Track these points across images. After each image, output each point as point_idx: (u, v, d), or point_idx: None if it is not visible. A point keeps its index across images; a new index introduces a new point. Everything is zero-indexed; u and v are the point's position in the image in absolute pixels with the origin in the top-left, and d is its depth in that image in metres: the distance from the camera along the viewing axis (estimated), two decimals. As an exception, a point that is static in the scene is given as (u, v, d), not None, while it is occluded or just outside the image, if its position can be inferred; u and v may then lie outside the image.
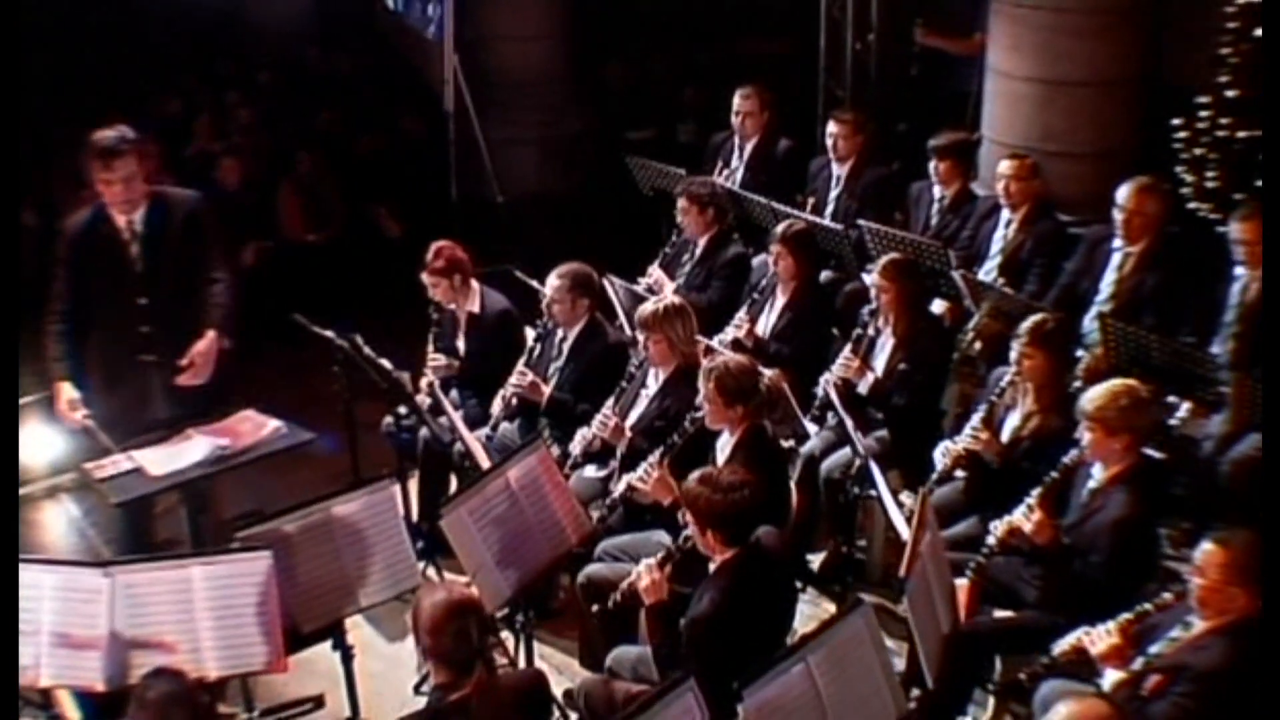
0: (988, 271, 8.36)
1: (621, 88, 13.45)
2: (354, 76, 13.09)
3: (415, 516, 7.86)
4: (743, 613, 5.58)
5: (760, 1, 12.89)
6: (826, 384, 7.60)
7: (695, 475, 5.68)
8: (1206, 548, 5.41)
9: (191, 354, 7.04)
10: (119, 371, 7.18)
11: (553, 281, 7.60)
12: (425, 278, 8.02)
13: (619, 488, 6.79)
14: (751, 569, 5.66)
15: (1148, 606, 5.64)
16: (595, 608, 6.22)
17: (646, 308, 7.10)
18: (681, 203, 8.71)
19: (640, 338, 7.15)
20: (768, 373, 6.57)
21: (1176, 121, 9.10)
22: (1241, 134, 9.15)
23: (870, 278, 7.67)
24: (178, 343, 7.08)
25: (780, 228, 8.14)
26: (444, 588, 4.94)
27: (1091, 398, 6.17)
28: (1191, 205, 9.06)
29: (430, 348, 8.12)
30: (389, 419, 7.89)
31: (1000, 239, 8.48)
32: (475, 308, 8.07)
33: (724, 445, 6.60)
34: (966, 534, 6.88)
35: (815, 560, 7.75)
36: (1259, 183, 8.92)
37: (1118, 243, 7.88)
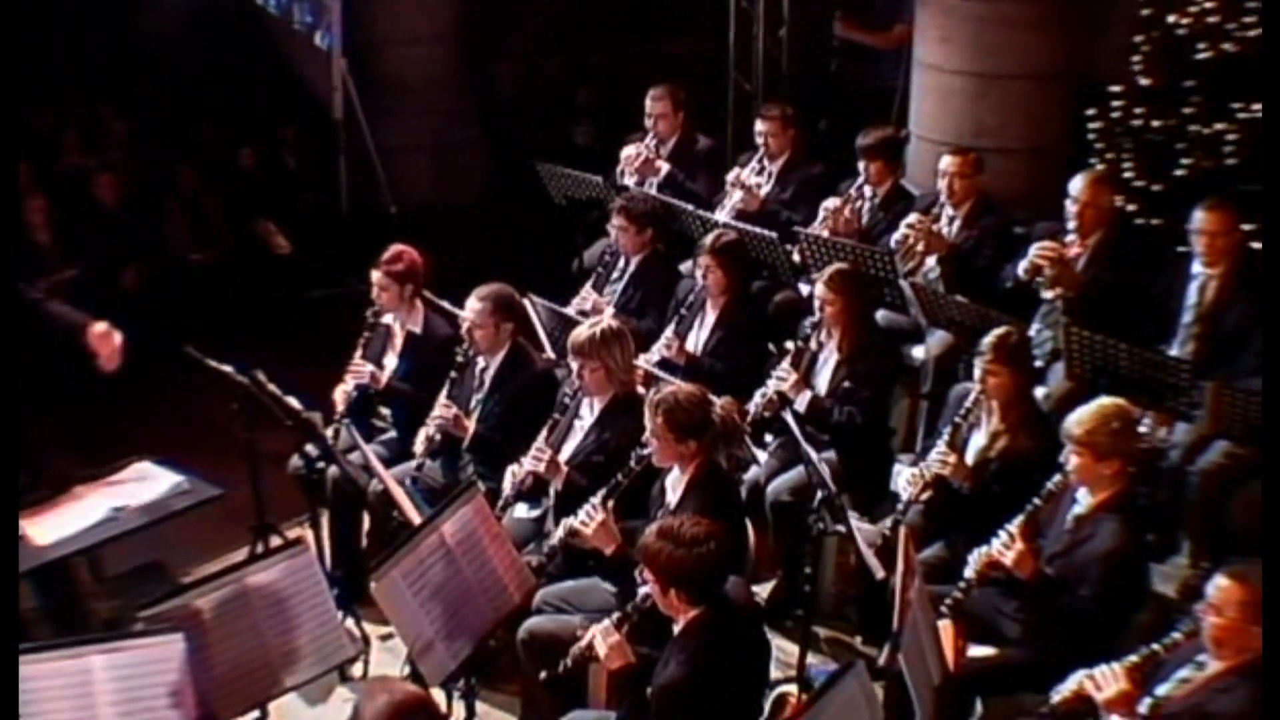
0: (929, 270, 7.77)
1: (512, 90, 12.71)
2: (235, 85, 12.22)
3: (329, 564, 7.06)
4: (716, 676, 4.93)
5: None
6: (761, 402, 6.98)
7: (654, 529, 4.99)
8: (1222, 584, 4.89)
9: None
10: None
11: (473, 304, 6.87)
12: (376, 278, 7.28)
13: (558, 533, 6.07)
14: (721, 628, 5.01)
15: (1156, 648, 5.09)
16: (543, 674, 5.49)
17: (582, 332, 6.38)
18: (619, 220, 7.99)
19: (574, 365, 6.43)
20: (719, 401, 5.88)
21: (1090, 112, 8.70)
22: (1156, 123, 8.83)
23: (814, 289, 7.01)
24: None
25: (709, 239, 7.48)
26: (385, 688, 4.17)
27: (1080, 420, 5.61)
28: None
29: (359, 354, 7.37)
30: (297, 459, 7.09)
31: (942, 237, 7.90)
32: (417, 327, 7.33)
33: (674, 484, 5.92)
34: (933, 562, 6.31)
35: (761, 591, 7.10)
36: (1177, 172, 8.60)
37: (1070, 237, 7.37)
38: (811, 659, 6.35)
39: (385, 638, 6.70)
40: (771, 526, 6.91)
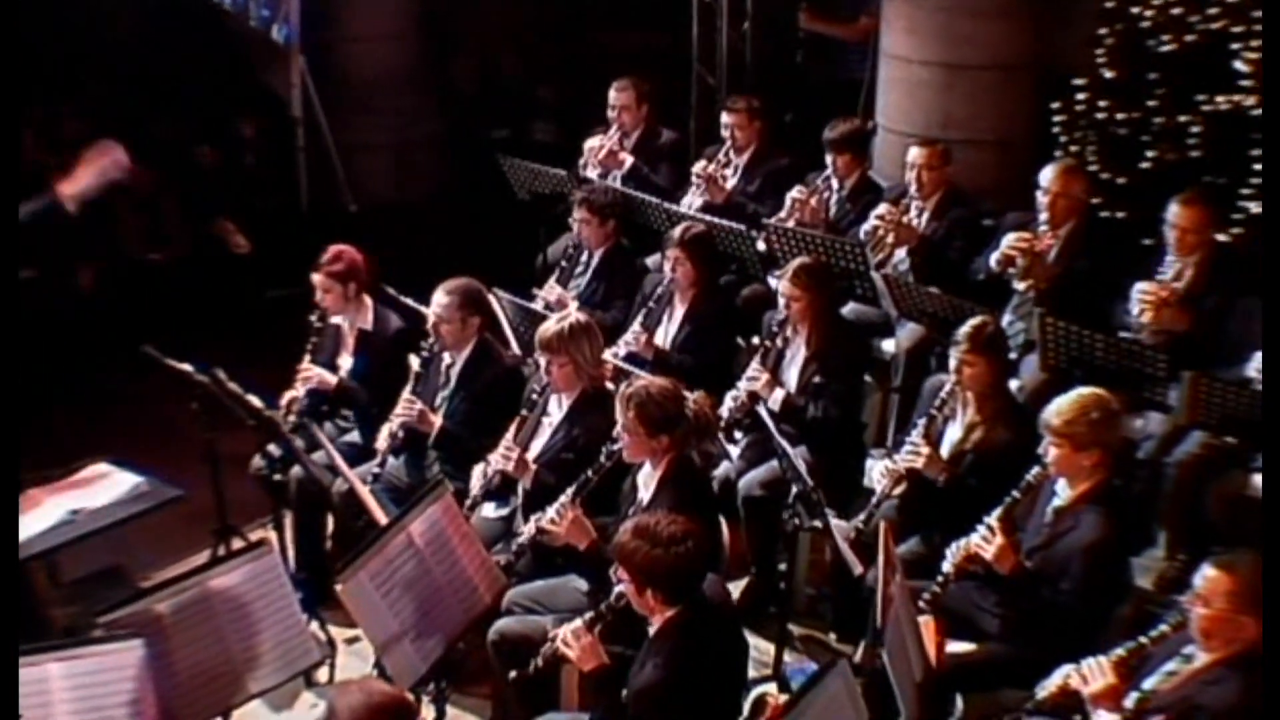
0: (899, 263, 7.63)
1: (472, 87, 12.48)
2: (193, 83, 11.96)
3: (293, 566, 6.85)
4: (694, 678, 4.76)
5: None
6: (734, 402, 6.82)
7: (629, 526, 4.82)
8: (1210, 574, 4.77)
9: None
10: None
11: (440, 299, 6.67)
12: (318, 280, 7.08)
13: (527, 531, 5.88)
14: (699, 628, 4.84)
15: (1143, 641, 4.96)
16: (513, 674, 5.30)
17: (549, 327, 6.20)
18: (581, 212, 7.80)
19: (542, 361, 6.25)
20: (692, 395, 5.71)
21: (1055, 105, 8.59)
22: (1120, 116, 8.74)
23: (779, 285, 6.84)
24: None
25: (677, 232, 7.30)
26: (361, 688, 3.98)
27: (1059, 410, 5.48)
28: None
29: (306, 359, 7.15)
30: (259, 460, 6.89)
31: (911, 229, 7.75)
32: (367, 324, 7.13)
33: (646, 480, 5.74)
34: (909, 557, 6.14)
35: (733, 590, 6.92)
36: (1142, 165, 8.50)
37: (1042, 228, 7.24)
38: (787, 658, 6.21)
39: (351, 641, 6.53)
40: (743, 522, 6.74)
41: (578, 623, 5.07)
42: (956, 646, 5.64)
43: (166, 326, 7.45)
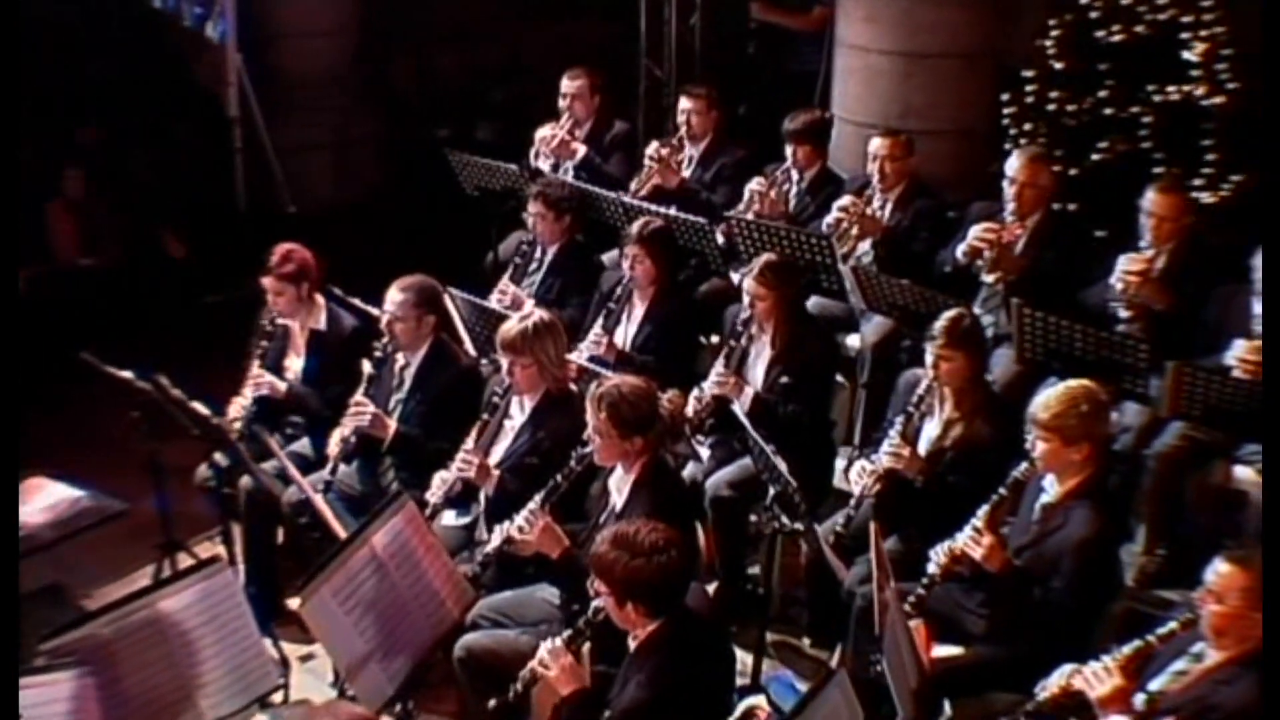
0: (862, 255, 7.33)
1: (411, 85, 12.05)
2: (125, 84, 11.48)
3: (242, 580, 6.47)
4: (680, 694, 4.43)
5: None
6: (699, 403, 6.49)
7: (607, 536, 4.47)
8: (1223, 569, 4.52)
9: None
10: None
11: (394, 296, 6.29)
12: (269, 284, 6.69)
13: (494, 541, 5.51)
14: (683, 642, 4.52)
15: (1150, 639, 4.68)
16: (492, 703, 4.92)
17: (512, 326, 5.84)
18: (536, 206, 7.42)
19: (504, 362, 5.88)
20: (665, 395, 5.37)
21: (1005, 97, 8.39)
22: (1071, 107, 8.56)
23: (745, 283, 6.51)
24: None
25: (636, 227, 6.94)
26: (329, 710, 3.62)
27: (1047, 404, 5.20)
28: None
29: (256, 364, 6.75)
30: (205, 470, 6.51)
31: (875, 221, 7.46)
32: (320, 324, 6.75)
33: (618, 484, 5.40)
34: (890, 559, 5.80)
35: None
36: (1094, 156, 8.28)
37: (1009, 218, 6.98)
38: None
39: (306, 659, 6.21)
40: (711, 522, 6.40)
41: (556, 642, 4.72)
42: (943, 650, 5.36)
43: (103, 334, 7.07)
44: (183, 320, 9.23)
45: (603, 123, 8.53)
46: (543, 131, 8.36)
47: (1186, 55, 8.64)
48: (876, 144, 7.38)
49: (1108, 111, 8.66)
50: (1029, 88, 8.62)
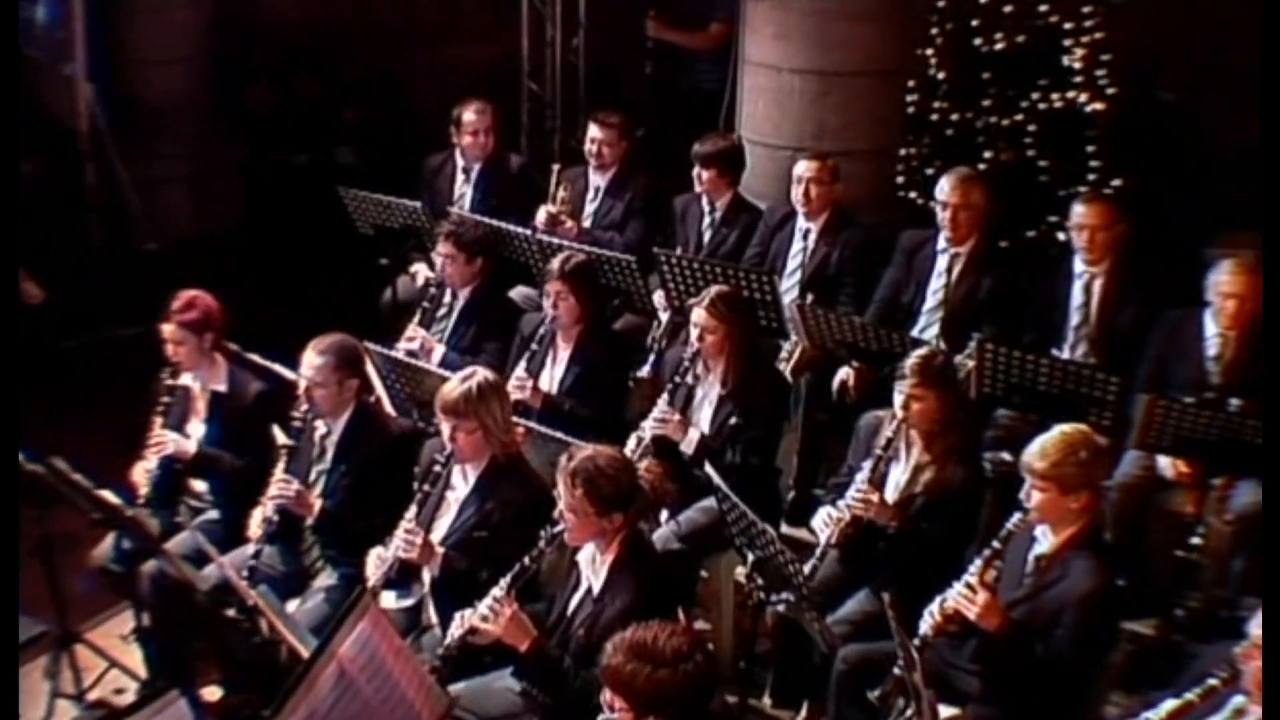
0: (788, 290, 6.85)
1: (268, 111, 11.22)
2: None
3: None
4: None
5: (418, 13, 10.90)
6: (639, 445, 5.91)
7: (622, 645, 3.84)
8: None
9: None
10: None
11: (312, 360, 5.58)
12: (169, 332, 5.91)
13: (454, 631, 4.87)
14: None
15: (1190, 697, 4.28)
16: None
17: (453, 389, 5.19)
18: (446, 248, 6.73)
19: (445, 427, 5.24)
20: (643, 464, 4.80)
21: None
22: (954, 117, 8.37)
23: (693, 315, 5.97)
24: None
25: (556, 263, 6.34)
26: None
27: (1043, 453, 4.78)
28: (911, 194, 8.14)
29: (158, 423, 5.96)
30: (106, 549, 5.82)
31: (799, 252, 6.98)
32: (221, 385, 6.00)
33: (591, 563, 4.80)
34: (861, 614, 5.41)
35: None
36: (981, 166, 8.02)
37: (942, 243, 6.59)
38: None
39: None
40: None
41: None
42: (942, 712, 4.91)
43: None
44: (39, 367, 8.38)
45: (498, 156, 7.94)
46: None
47: (1067, 62, 8.45)
48: (802, 167, 6.89)
49: (991, 120, 8.40)
50: (910, 98, 8.34)
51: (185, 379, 6.05)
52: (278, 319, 8.13)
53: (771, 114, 7.54)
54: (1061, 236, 8.17)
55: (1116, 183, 8.29)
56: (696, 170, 7.28)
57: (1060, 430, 4.87)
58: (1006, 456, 6.07)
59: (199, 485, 6.14)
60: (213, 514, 6.03)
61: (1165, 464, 5.84)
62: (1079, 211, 6.43)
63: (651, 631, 3.86)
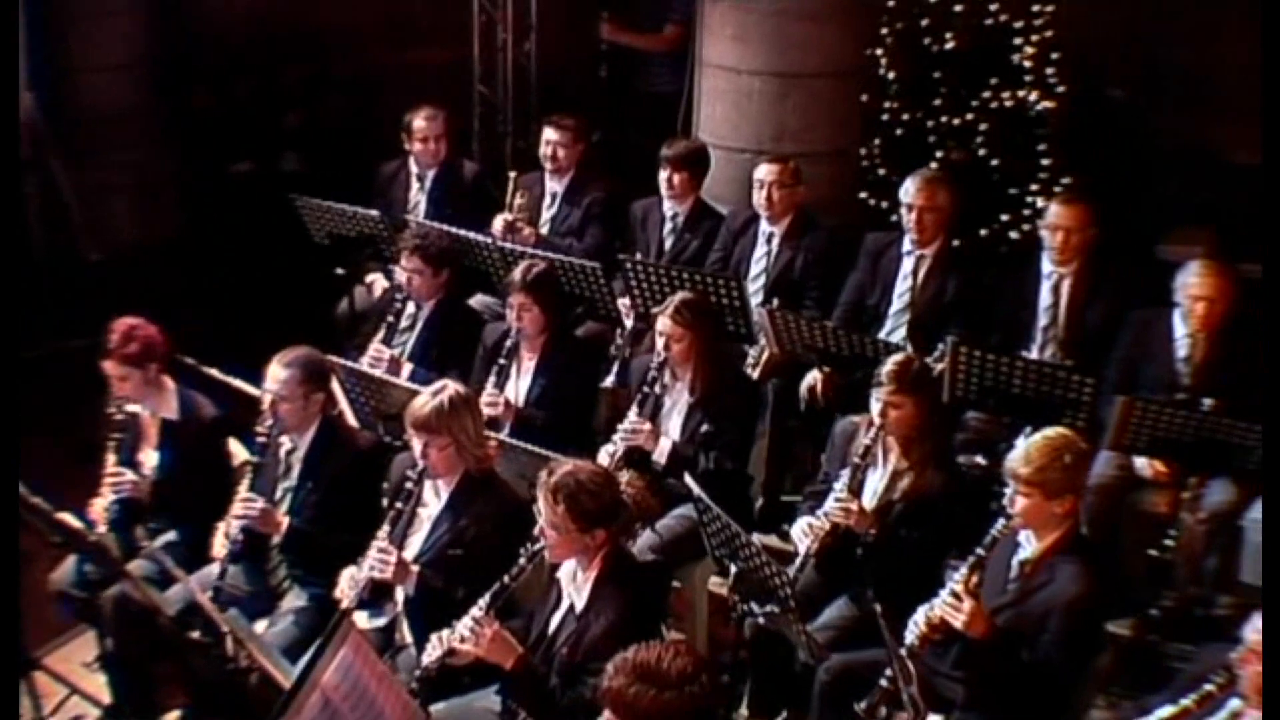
0: (752, 295, 6.73)
1: (207, 117, 10.94)
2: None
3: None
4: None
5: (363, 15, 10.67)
6: (611, 457, 5.79)
7: (625, 667, 3.69)
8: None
9: None
10: None
11: (277, 374, 5.41)
12: (110, 369, 5.67)
13: (432, 651, 4.72)
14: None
15: (1187, 703, 4.22)
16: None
17: (425, 403, 5.04)
18: (412, 262, 6.54)
19: (416, 443, 5.09)
20: (624, 478, 4.68)
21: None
22: (905, 116, 8.28)
23: (659, 323, 5.86)
24: None
25: (519, 274, 6.20)
26: None
27: (1027, 458, 4.72)
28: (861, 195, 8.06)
29: (111, 459, 5.72)
30: (66, 573, 5.62)
31: (762, 257, 6.89)
32: (172, 412, 5.77)
33: (572, 579, 4.67)
34: (842, 622, 5.33)
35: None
36: (934, 165, 7.98)
37: (907, 245, 6.52)
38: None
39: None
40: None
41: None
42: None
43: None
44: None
45: (452, 163, 7.77)
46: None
47: (1018, 60, 8.42)
48: (764, 170, 6.79)
49: (943, 120, 8.36)
50: (861, 98, 8.27)
51: (135, 409, 5.82)
52: (230, 331, 7.98)
53: (730, 116, 7.44)
54: (1014, 235, 8.25)
55: (1066, 180, 8.27)
56: (667, 174, 7.16)
57: (1044, 435, 4.81)
58: (980, 460, 6.05)
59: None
60: (170, 535, 5.82)
61: (1143, 464, 5.81)
62: (1054, 212, 6.38)
63: (655, 652, 3.72)
